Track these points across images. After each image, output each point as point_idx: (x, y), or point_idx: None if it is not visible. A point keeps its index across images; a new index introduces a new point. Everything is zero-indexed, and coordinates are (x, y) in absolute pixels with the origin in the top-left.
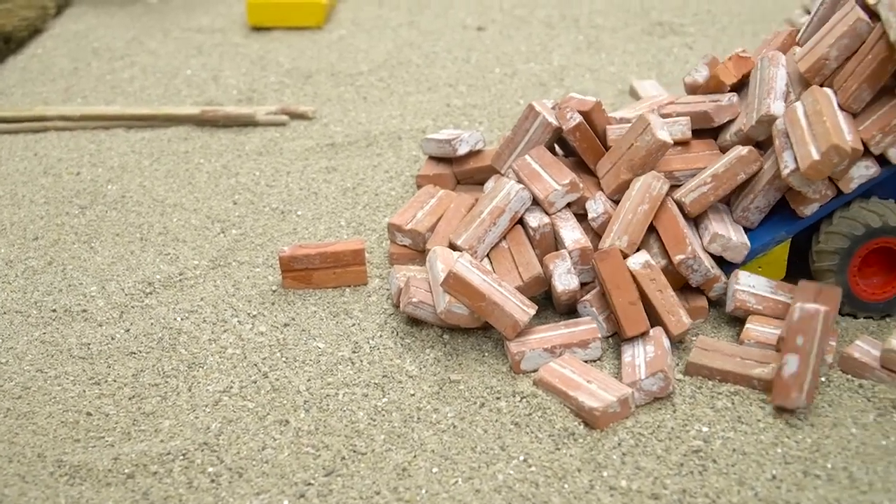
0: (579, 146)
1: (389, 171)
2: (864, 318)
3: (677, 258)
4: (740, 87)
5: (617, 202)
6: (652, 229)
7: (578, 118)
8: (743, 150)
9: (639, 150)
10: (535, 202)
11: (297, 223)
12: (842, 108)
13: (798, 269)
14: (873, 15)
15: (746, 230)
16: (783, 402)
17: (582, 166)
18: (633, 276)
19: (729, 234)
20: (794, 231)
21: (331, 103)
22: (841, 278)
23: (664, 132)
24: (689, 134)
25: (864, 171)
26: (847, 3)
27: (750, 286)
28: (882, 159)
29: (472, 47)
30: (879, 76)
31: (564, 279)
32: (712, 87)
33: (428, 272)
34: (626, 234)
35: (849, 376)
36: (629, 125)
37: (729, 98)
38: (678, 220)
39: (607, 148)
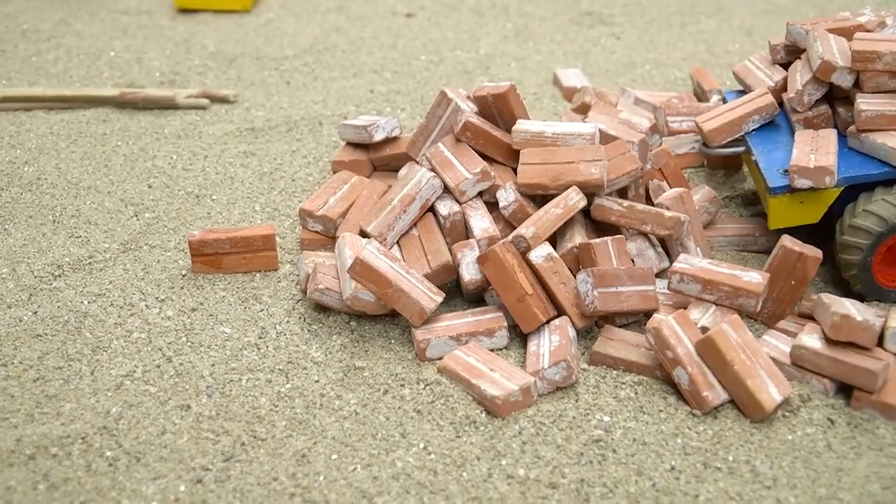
0: (475, 144)
1: (308, 157)
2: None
3: None
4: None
5: (526, 196)
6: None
7: (465, 118)
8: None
9: (574, 174)
10: (447, 190)
11: (211, 207)
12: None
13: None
14: None
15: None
16: (702, 407)
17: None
18: (536, 270)
19: None
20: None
21: (254, 87)
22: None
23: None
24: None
25: None
26: None
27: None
28: None
29: (399, 34)
30: None
31: (472, 268)
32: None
33: (336, 258)
34: (535, 226)
35: None
36: (554, 125)
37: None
38: None
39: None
